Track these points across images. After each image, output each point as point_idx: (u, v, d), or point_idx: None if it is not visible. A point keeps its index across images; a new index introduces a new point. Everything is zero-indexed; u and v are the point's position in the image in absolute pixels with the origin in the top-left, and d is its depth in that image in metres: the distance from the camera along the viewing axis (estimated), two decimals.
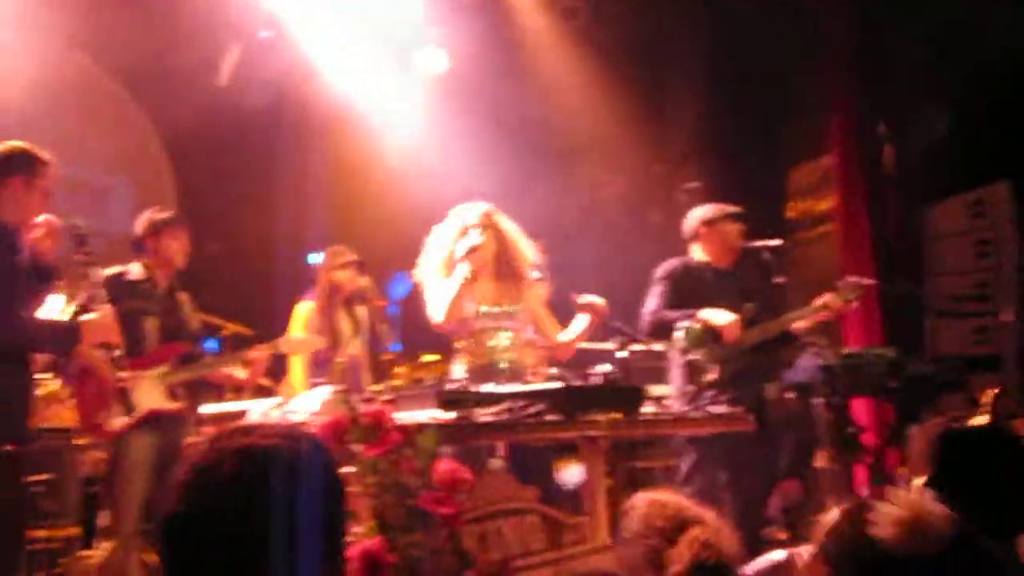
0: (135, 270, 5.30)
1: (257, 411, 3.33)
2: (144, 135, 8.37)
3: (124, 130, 8.23)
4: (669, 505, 2.73)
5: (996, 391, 4.44)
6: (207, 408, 3.71)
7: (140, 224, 5.36)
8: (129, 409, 4.88)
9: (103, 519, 5.32)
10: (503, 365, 4.73)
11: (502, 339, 4.82)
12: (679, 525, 2.70)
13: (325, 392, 3.19)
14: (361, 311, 6.01)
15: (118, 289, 5.18)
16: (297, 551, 1.47)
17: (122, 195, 8.25)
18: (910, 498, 1.58)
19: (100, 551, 5.41)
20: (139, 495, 4.88)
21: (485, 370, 4.63)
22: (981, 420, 4.60)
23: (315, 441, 1.61)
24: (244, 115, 7.62)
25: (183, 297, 5.52)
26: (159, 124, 8.20)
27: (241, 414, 3.44)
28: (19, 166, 4.30)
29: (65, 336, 4.40)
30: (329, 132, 8.02)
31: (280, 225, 7.84)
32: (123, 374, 4.92)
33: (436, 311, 4.82)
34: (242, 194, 7.73)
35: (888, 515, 1.55)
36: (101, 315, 4.47)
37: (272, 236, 7.94)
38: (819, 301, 5.70)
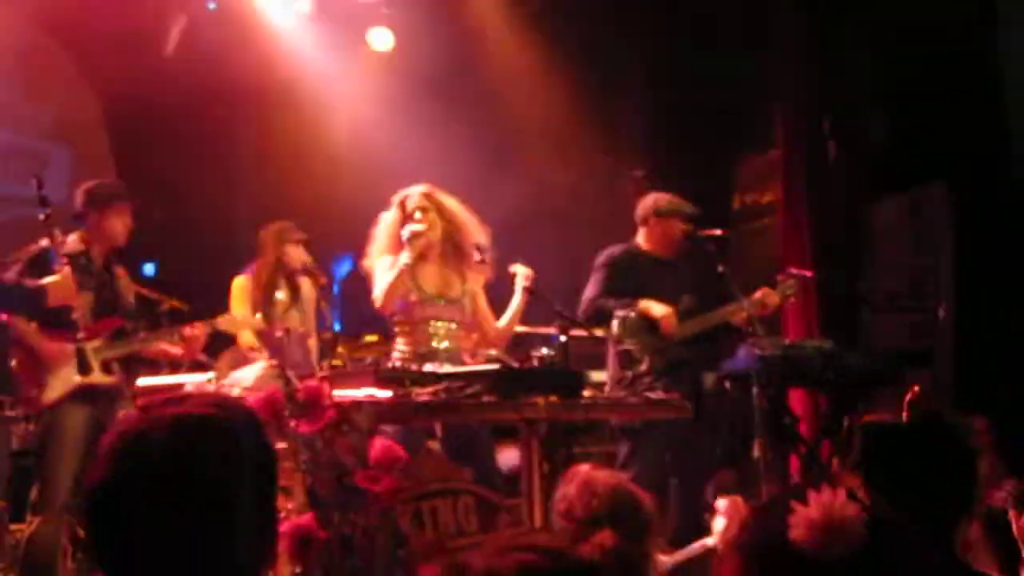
0: (71, 242, 5.22)
1: (192, 385, 3.28)
2: (84, 102, 8.21)
3: (63, 96, 8.07)
4: (596, 494, 2.75)
5: (914, 391, 4.51)
6: (142, 382, 3.66)
7: (82, 196, 5.27)
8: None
9: (33, 493, 5.23)
10: (441, 353, 4.71)
11: (441, 328, 4.80)
12: (594, 520, 2.73)
13: (259, 367, 3.15)
14: (306, 285, 5.97)
15: (49, 262, 5.10)
16: (227, 522, 1.44)
17: (60, 162, 8.09)
18: (824, 499, 1.59)
19: (29, 525, 5.32)
20: (71, 469, 4.80)
21: (423, 356, 4.61)
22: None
23: (248, 412, 1.57)
24: (188, 86, 7.50)
25: (120, 271, 5.45)
26: (100, 91, 8.05)
27: (177, 388, 3.38)
28: None
29: (31, 297, 4.37)
30: (273, 108, 7.92)
31: (219, 199, 7.73)
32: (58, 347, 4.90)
33: (378, 297, 4.79)
34: (180, 165, 7.60)
35: (802, 516, 1.56)
36: (62, 276, 4.46)
37: (211, 208, 7.82)
38: (757, 295, 5.76)
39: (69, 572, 5.01)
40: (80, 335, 4.80)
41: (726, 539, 2.45)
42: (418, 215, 4.84)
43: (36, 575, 4.97)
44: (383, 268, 4.82)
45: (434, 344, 4.73)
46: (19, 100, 7.70)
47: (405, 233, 4.78)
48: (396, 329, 4.90)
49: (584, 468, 2.93)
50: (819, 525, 1.55)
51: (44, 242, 5.13)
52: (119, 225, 5.26)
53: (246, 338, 5.72)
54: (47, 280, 4.54)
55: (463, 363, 4.40)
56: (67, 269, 4.61)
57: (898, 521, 1.67)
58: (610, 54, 8.29)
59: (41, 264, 5.11)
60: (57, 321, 5.07)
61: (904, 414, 4.73)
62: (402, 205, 4.92)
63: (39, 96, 7.85)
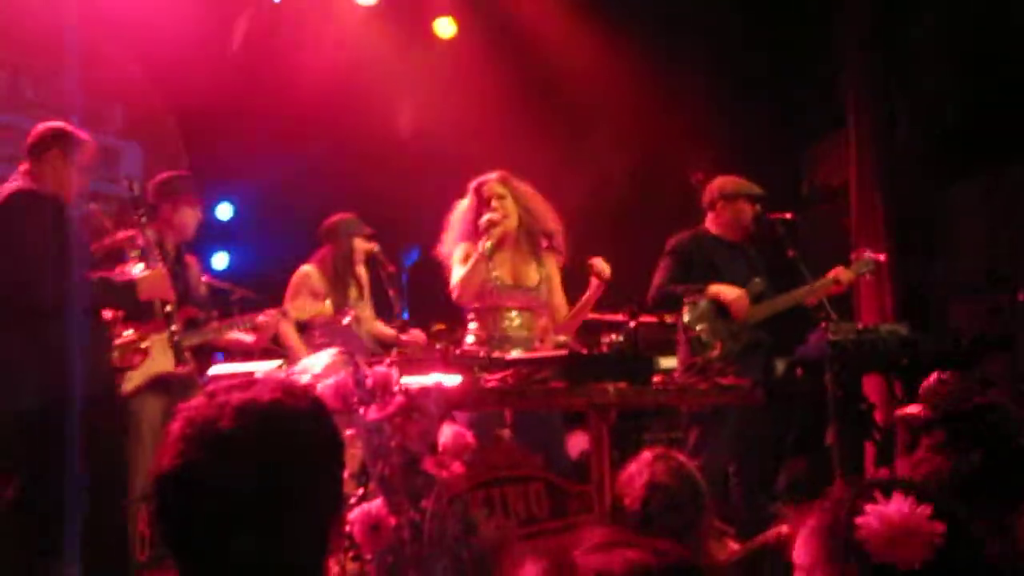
0: (147, 234, 5.30)
1: (262, 373, 3.30)
2: (153, 100, 8.32)
3: (132, 95, 8.19)
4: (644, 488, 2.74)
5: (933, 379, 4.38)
6: (214, 370, 3.70)
7: (154, 189, 5.38)
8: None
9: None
10: (514, 340, 4.69)
11: (515, 316, 4.78)
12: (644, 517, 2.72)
13: (329, 354, 3.16)
14: (363, 275, 6.02)
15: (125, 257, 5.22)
16: (293, 508, 1.43)
17: (132, 159, 8.22)
18: (902, 509, 1.55)
19: None
20: (148, 458, 4.87)
21: (496, 343, 4.60)
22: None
23: (313, 398, 1.56)
24: (255, 81, 7.57)
25: (191, 260, 5.53)
26: (168, 89, 8.16)
27: (247, 376, 3.40)
28: (56, 143, 4.58)
29: (123, 292, 4.56)
30: (339, 99, 7.95)
31: (288, 190, 7.78)
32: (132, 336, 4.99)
33: (456, 286, 4.79)
34: (250, 159, 7.68)
35: (876, 521, 1.54)
36: (154, 272, 4.58)
37: (280, 200, 7.88)
38: (831, 275, 5.65)
39: (146, 558, 5.09)
40: (173, 327, 4.89)
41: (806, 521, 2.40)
42: (494, 202, 4.81)
43: (113, 556, 5.07)
44: (460, 257, 4.82)
45: (508, 332, 4.72)
46: (90, 100, 7.82)
47: (483, 221, 4.76)
48: (470, 316, 4.90)
49: (647, 456, 2.91)
50: (892, 534, 1.52)
51: (120, 235, 5.26)
52: (190, 217, 5.36)
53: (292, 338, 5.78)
54: (139, 275, 4.66)
55: (535, 350, 4.38)
56: (161, 264, 4.73)
57: (974, 532, 1.63)
58: (675, 39, 8.19)
59: (115, 258, 5.24)
60: (138, 313, 5.19)
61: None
62: (478, 192, 4.90)
63: (109, 95, 7.97)
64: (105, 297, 4.58)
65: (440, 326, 6.59)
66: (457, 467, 2.85)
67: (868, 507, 1.55)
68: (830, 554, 1.57)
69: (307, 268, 6.01)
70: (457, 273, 4.79)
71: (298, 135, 7.74)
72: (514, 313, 4.78)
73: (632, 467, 2.88)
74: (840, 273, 5.67)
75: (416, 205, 7.61)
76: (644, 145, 8.20)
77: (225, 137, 7.67)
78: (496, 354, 3.88)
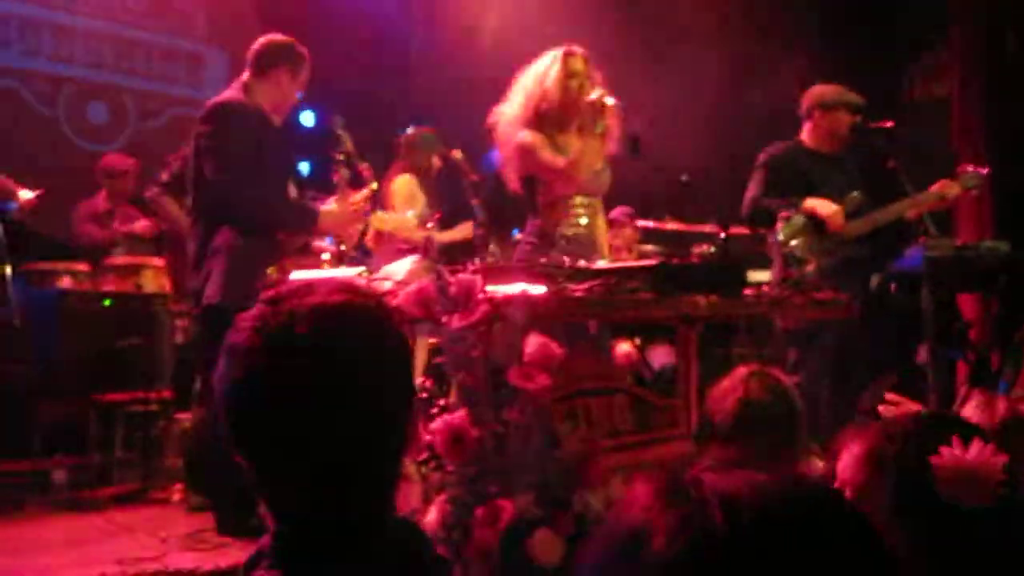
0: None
1: (343, 279, 3.25)
2: (238, 3, 8.26)
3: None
4: (727, 407, 2.64)
5: None
6: (295, 276, 3.67)
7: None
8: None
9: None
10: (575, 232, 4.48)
11: (580, 206, 4.52)
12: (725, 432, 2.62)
13: (411, 260, 3.09)
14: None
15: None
16: (372, 411, 1.38)
17: (218, 64, 8.19)
18: (974, 452, 1.53)
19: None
20: None
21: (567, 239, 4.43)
22: None
23: (378, 297, 1.52)
24: None
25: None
26: None
27: (328, 282, 3.37)
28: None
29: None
30: (421, 7, 7.81)
31: (382, 95, 7.69)
32: None
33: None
34: (336, 68, 7.59)
35: (947, 463, 1.54)
36: (340, 208, 4.54)
37: (374, 105, 7.81)
38: (935, 188, 5.41)
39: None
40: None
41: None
42: (585, 80, 4.46)
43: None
44: (523, 130, 4.47)
45: (571, 227, 4.50)
46: (175, 4, 7.80)
47: (597, 99, 4.38)
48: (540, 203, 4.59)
49: (742, 372, 2.79)
50: (961, 476, 1.53)
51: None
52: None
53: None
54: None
55: (616, 257, 4.21)
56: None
57: None
58: None
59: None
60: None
61: None
62: (566, 62, 4.49)
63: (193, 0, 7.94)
64: (288, 217, 4.57)
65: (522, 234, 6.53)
66: (542, 379, 2.77)
67: (944, 449, 1.55)
68: (888, 483, 1.58)
69: (400, 178, 5.97)
70: (547, 155, 4.44)
71: (381, 42, 7.63)
72: (579, 200, 4.49)
73: (725, 383, 2.77)
74: (945, 187, 5.43)
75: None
76: (739, 53, 7.93)
77: (310, 44, 7.61)
78: (583, 262, 3.76)
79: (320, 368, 1.36)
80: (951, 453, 1.53)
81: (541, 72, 4.50)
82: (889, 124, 5.61)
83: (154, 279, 6.36)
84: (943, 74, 7.86)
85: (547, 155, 4.42)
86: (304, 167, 7.98)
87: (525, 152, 4.44)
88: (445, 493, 2.72)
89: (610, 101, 4.40)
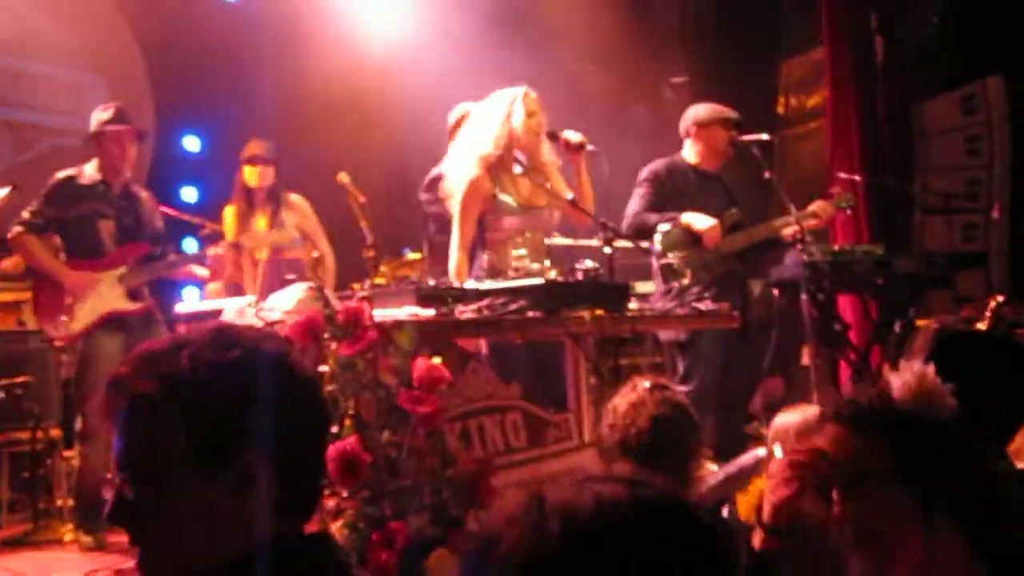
0: (88, 171, 5.27)
1: (231, 309, 3.25)
2: (118, 32, 8.12)
3: (97, 26, 7.98)
4: (637, 424, 2.72)
5: (1000, 299, 4.38)
6: (180, 307, 3.62)
7: (90, 122, 5.27)
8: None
9: (78, 423, 5.33)
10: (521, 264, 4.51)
11: (526, 242, 4.52)
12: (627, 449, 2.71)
13: (299, 289, 3.10)
14: (288, 214, 5.89)
15: (67, 193, 5.17)
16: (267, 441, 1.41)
17: (96, 92, 8.03)
18: (916, 369, 1.64)
19: (77, 456, 5.40)
20: None
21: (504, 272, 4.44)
22: (981, 326, 4.57)
23: (273, 346, 1.51)
24: (220, 13, 7.39)
25: (144, 196, 5.44)
26: (134, 21, 7.95)
27: (215, 313, 3.37)
28: None
29: None
30: (303, 30, 7.77)
31: (257, 122, 7.64)
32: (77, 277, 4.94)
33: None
34: (218, 90, 7.52)
35: (902, 382, 1.63)
36: None
37: (251, 132, 7.76)
38: (811, 208, 5.61)
39: None
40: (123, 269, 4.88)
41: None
42: (539, 118, 4.60)
43: (89, 504, 5.07)
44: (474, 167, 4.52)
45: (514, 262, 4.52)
46: (54, 31, 7.62)
47: (575, 139, 4.59)
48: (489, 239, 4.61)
49: (642, 386, 2.87)
50: (917, 388, 1.61)
51: (62, 173, 5.24)
52: (116, 153, 5.24)
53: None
54: None
55: (507, 276, 4.24)
56: None
57: None
58: None
59: (62, 194, 5.20)
60: (83, 251, 5.14)
61: (986, 322, 4.63)
62: (527, 103, 4.58)
63: (73, 27, 7.77)
64: None
65: (415, 255, 6.54)
66: (432, 401, 2.82)
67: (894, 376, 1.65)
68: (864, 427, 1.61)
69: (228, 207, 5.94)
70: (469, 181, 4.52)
71: (260, 67, 7.58)
72: (527, 235, 4.50)
73: (626, 398, 2.83)
74: (820, 207, 5.63)
75: (387, 130, 7.50)
76: (620, 65, 8.07)
77: (192, 70, 7.51)
78: (470, 283, 3.81)
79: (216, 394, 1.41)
80: (899, 376, 1.64)
81: (504, 113, 4.57)
82: (765, 136, 5.80)
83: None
84: (815, 82, 8.12)
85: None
86: (192, 193, 7.88)
87: (480, 192, 4.52)
88: (341, 519, 2.74)
89: (578, 138, 4.63)
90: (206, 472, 1.37)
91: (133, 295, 5.12)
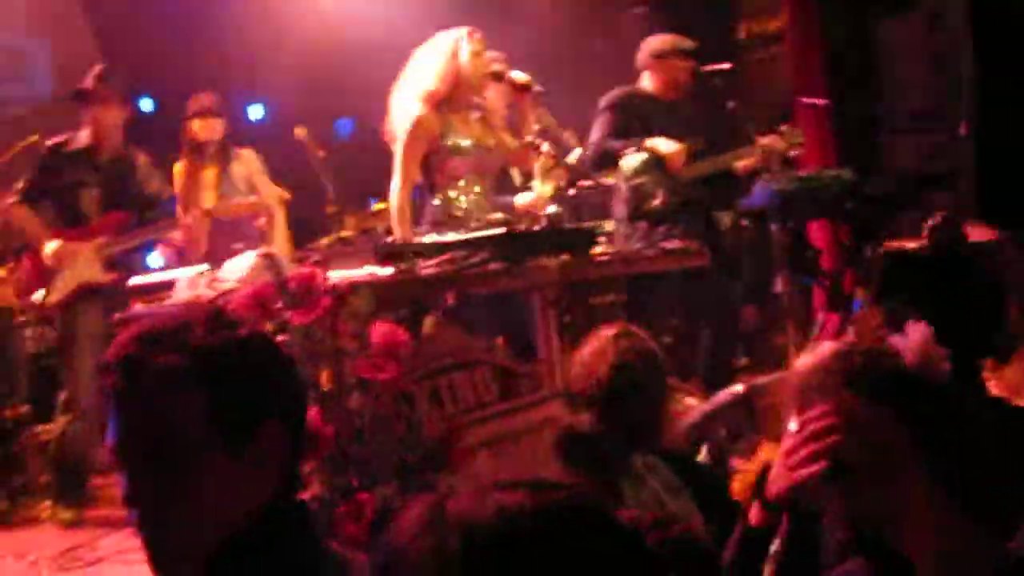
0: (80, 137, 5.20)
1: (184, 280, 3.16)
2: None
3: None
4: (598, 373, 2.67)
5: (937, 219, 4.33)
6: (134, 280, 3.54)
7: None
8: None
9: (63, 394, 5.28)
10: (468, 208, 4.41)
11: (473, 184, 4.45)
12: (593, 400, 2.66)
13: (252, 256, 3.00)
14: (238, 167, 5.72)
15: (53, 162, 5.11)
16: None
17: (42, 58, 7.82)
18: (919, 332, 1.56)
19: (58, 425, 5.35)
20: (92, 367, 4.77)
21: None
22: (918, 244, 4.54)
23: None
24: None
25: (141, 160, 5.33)
26: None
27: (169, 284, 3.27)
28: None
29: None
30: None
31: (210, 81, 7.47)
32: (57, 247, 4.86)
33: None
34: (167, 51, 7.33)
35: (911, 344, 1.54)
36: None
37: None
38: (762, 142, 5.55)
39: (102, 467, 5.04)
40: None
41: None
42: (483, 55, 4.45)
43: (69, 472, 5.03)
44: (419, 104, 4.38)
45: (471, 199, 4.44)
46: None
47: (521, 77, 4.46)
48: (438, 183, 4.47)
49: (605, 334, 2.81)
50: (925, 350, 1.53)
51: (52, 141, 5.19)
52: (106, 116, 5.16)
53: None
54: None
55: (470, 228, 4.14)
56: None
57: None
58: None
59: (48, 164, 5.16)
60: (67, 221, 5.07)
61: (925, 241, 4.61)
62: (471, 41, 4.43)
63: None
64: None
65: (381, 206, 6.43)
66: (391, 368, 2.74)
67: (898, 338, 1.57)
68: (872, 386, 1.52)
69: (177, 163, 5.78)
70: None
71: (212, 22, 7.39)
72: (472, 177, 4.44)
73: (592, 345, 2.79)
74: (771, 142, 5.57)
75: (343, 76, 7.34)
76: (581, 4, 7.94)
77: (140, 29, 7.32)
78: (430, 237, 3.72)
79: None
80: (905, 340, 1.56)
81: (450, 50, 4.40)
82: (726, 66, 5.71)
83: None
84: (776, 5, 8.00)
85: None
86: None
87: (426, 131, 4.35)
88: (307, 492, 2.67)
89: (524, 78, 4.46)
90: (228, 446, 1.39)
91: (109, 266, 5.05)
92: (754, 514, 1.67)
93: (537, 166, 4.39)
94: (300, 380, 1.57)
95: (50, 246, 5.02)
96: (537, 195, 4.48)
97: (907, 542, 1.42)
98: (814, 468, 1.50)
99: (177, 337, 1.40)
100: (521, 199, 4.77)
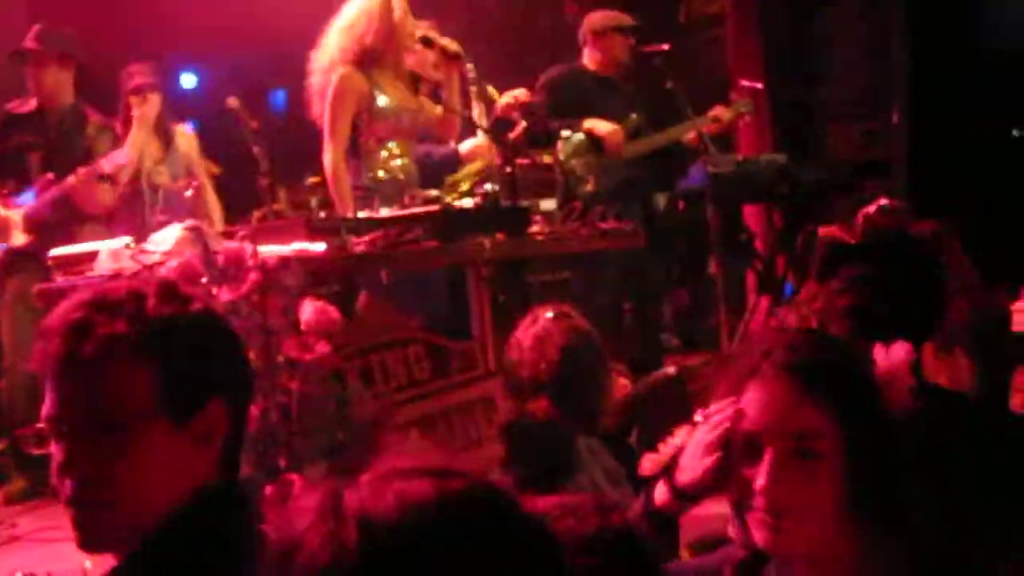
0: (31, 101, 5.08)
1: (107, 252, 3.06)
2: None
3: None
4: (546, 357, 2.64)
5: (869, 211, 4.39)
6: (55, 251, 3.41)
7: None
8: None
9: None
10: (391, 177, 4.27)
11: (396, 149, 4.30)
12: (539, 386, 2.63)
13: (178, 229, 2.91)
14: (182, 139, 5.56)
15: (3, 124, 5.05)
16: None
17: None
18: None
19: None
20: (14, 334, 4.74)
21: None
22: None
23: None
24: None
25: (91, 121, 5.14)
26: None
27: (91, 255, 3.16)
28: None
29: None
30: None
31: (141, 46, 7.27)
32: None
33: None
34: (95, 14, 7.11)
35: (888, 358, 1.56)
36: None
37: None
38: (710, 114, 5.57)
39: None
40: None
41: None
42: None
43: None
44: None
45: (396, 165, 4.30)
46: None
47: (452, 45, 4.39)
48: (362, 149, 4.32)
49: (544, 317, 2.78)
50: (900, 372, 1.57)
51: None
52: (42, 78, 5.02)
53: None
54: None
55: (403, 203, 4.06)
56: None
57: None
58: None
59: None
60: (13, 185, 4.96)
61: (860, 227, 4.66)
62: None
63: None
64: None
65: (315, 179, 6.32)
66: (321, 347, 2.68)
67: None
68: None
69: None
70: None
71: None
72: (396, 149, 4.29)
73: (531, 330, 2.74)
74: (719, 112, 5.59)
75: (277, 47, 7.17)
76: None
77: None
78: (363, 213, 3.65)
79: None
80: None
81: (365, 7, 4.25)
82: (665, 46, 5.70)
83: None
84: None
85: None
86: None
87: (354, 89, 4.20)
88: None
89: (455, 47, 4.36)
90: (173, 422, 1.35)
91: (29, 230, 4.91)
92: (660, 495, 1.65)
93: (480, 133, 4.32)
94: (247, 361, 1.54)
95: None
96: (483, 141, 4.39)
97: (797, 539, 1.39)
98: (713, 458, 1.49)
99: (128, 306, 1.35)
100: (466, 145, 4.62)
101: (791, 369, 1.41)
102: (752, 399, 1.43)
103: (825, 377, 1.41)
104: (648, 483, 1.74)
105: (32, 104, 5.08)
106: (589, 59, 5.60)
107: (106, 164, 4.74)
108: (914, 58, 6.81)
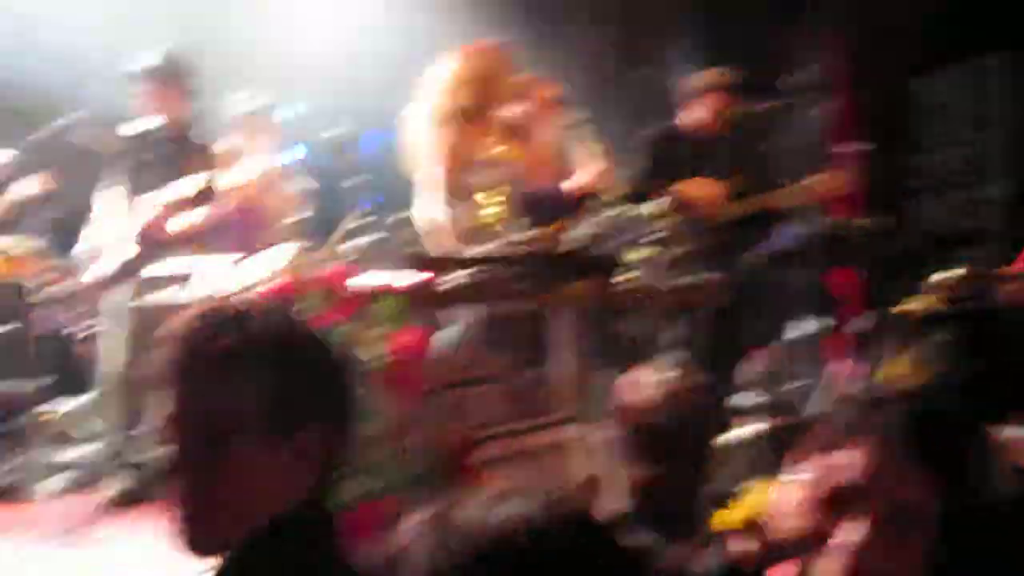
0: None
1: (203, 272, 3.13)
2: None
3: None
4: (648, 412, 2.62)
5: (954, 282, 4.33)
6: (149, 271, 3.49)
7: None
8: None
9: None
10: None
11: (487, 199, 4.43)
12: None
13: (286, 251, 2.98)
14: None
15: None
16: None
17: None
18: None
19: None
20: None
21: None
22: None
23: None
24: None
25: None
26: None
27: (184, 277, 3.24)
28: None
29: None
30: None
31: None
32: None
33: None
34: None
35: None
36: None
37: None
38: (808, 182, 5.54)
39: None
40: None
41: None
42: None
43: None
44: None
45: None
46: None
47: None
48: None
49: (643, 377, 2.75)
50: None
51: None
52: None
53: None
54: None
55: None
56: None
57: None
58: None
59: None
60: None
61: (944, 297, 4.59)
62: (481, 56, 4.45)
63: None
64: None
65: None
66: (410, 377, 2.73)
67: None
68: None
69: None
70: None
71: None
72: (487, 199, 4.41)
73: (652, 386, 2.70)
74: (818, 182, 5.55)
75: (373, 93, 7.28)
76: (620, 35, 7.93)
77: None
78: (466, 250, 3.72)
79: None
80: None
81: (481, 64, 4.40)
82: (766, 106, 5.72)
83: None
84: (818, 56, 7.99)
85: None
86: None
87: (455, 152, 4.34)
88: None
89: (553, 91, 4.47)
90: (271, 438, 1.42)
91: None
92: (747, 550, 1.65)
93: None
94: (354, 387, 1.57)
95: None
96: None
97: None
98: (824, 520, 1.46)
99: (243, 323, 1.44)
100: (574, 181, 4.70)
101: (906, 435, 1.41)
102: (856, 460, 1.42)
103: (938, 448, 1.40)
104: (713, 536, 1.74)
105: None
106: (688, 117, 5.62)
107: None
108: (1017, 129, 6.72)
